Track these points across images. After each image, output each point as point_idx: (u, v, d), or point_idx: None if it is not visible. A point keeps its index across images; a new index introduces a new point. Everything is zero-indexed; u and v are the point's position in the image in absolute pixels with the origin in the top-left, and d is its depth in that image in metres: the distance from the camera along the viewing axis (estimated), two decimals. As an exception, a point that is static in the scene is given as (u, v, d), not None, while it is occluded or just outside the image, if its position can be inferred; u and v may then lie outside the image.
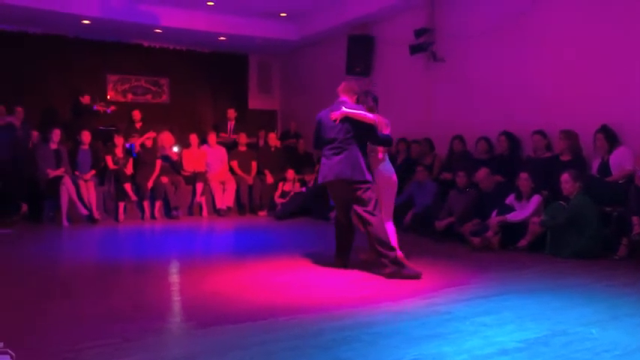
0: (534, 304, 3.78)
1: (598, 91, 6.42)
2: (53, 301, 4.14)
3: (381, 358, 2.79)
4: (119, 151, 9.11)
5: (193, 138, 9.89)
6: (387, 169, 5.19)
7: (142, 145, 9.41)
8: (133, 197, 8.91)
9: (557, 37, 6.91)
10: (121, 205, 8.86)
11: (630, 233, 5.30)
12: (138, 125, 10.09)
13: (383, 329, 3.23)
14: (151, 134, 9.59)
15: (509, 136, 7.21)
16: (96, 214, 8.56)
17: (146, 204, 9.01)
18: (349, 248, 5.15)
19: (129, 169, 9.06)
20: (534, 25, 7.17)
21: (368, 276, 4.75)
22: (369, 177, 4.83)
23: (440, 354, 2.81)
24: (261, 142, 10.93)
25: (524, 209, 6.07)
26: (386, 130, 5.08)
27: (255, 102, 12.97)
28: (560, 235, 5.57)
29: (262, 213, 9.79)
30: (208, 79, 12.27)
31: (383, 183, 5.10)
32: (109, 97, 11.27)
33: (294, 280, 4.65)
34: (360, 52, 9.86)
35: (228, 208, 9.66)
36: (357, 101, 5.07)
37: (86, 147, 8.92)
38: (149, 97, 11.82)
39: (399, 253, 4.88)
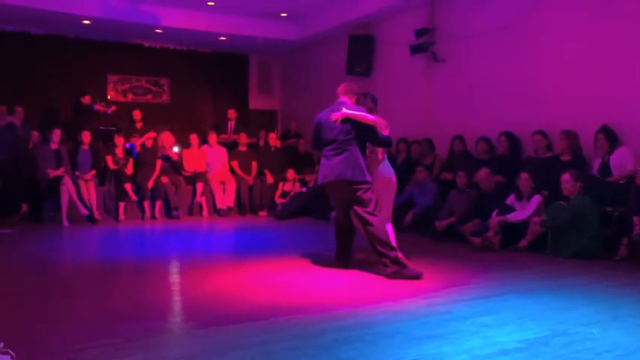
0: (535, 304, 3.78)
1: (598, 91, 6.42)
2: (53, 301, 4.14)
3: (381, 358, 2.79)
4: (119, 151, 9.11)
5: (194, 138, 9.89)
6: (386, 170, 5.19)
7: (143, 145, 9.41)
8: (134, 197, 8.91)
9: (558, 37, 6.91)
10: (122, 205, 8.86)
11: (631, 233, 5.29)
12: (138, 125, 10.09)
13: (383, 329, 3.23)
14: (152, 134, 9.60)
15: (510, 136, 7.21)
16: (96, 214, 8.56)
17: (146, 204, 9.01)
18: (350, 248, 5.15)
19: (129, 169, 9.06)
20: (534, 26, 7.17)
21: (368, 276, 4.75)
22: (369, 178, 4.83)
23: (440, 354, 2.81)
24: (262, 142, 10.93)
25: (525, 209, 6.07)
26: (385, 132, 5.08)
27: (255, 102, 12.98)
28: (561, 235, 5.57)
29: (262, 213, 9.79)
30: (209, 79, 12.28)
31: (383, 184, 5.10)
32: (109, 97, 11.28)
33: (294, 280, 4.65)
34: (360, 52, 9.86)
35: (229, 208, 9.66)
36: (357, 102, 5.07)
37: (86, 147, 8.92)
38: (149, 97, 11.82)
39: (400, 254, 4.88)
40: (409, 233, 7.10)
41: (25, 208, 8.43)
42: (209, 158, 9.86)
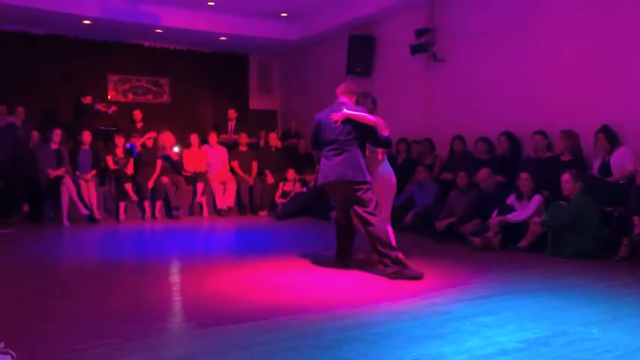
0: (535, 304, 3.78)
1: (598, 91, 6.42)
2: (53, 301, 4.15)
3: (382, 358, 2.79)
4: (120, 151, 9.11)
5: (194, 138, 9.89)
6: (386, 171, 5.19)
7: (143, 145, 9.42)
8: (134, 197, 8.92)
9: (558, 37, 6.91)
10: (122, 205, 8.86)
11: (631, 233, 5.29)
12: (138, 125, 10.10)
13: (384, 329, 3.24)
14: (152, 134, 9.61)
15: (510, 137, 7.21)
16: (97, 214, 8.57)
17: (147, 204, 9.02)
18: (350, 248, 5.15)
19: (129, 169, 9.06)
20: (535, 26, 7.16)
21: (368, 276, 4.75)
22: (369, 178, 4.84)
23: (440, 354, 2.81)
24: (262, 142, 10.92)
25: (525, 209, 6.07)
26: (385, 132, 5.08)
27: (255, 102, 12.97)
28: (561, 235, 5.57)
29: (263, 213, 9.79)
30: (209, 79, 12.27)
31: (382, 184, 5.10)
32: (109, 97, 11.27)
33: (294, 280, 4.65)
34: (360, 52, 9.86)
35: (229, 208, 9.67)
36: (357, 102, 5.08)
37: (87, 147, 8.93)
38: (150, 97, 11.82)
39: (400, 254, 4.88)
40: (409, 233, 7.10)
41: (25, 208, 8.44)
42: (209, 158, 9.87)
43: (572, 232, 5.49)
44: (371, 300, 3.95)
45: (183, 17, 10.36)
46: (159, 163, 9.29)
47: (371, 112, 5.07)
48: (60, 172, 8.46)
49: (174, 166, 9.61)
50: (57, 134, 8.62)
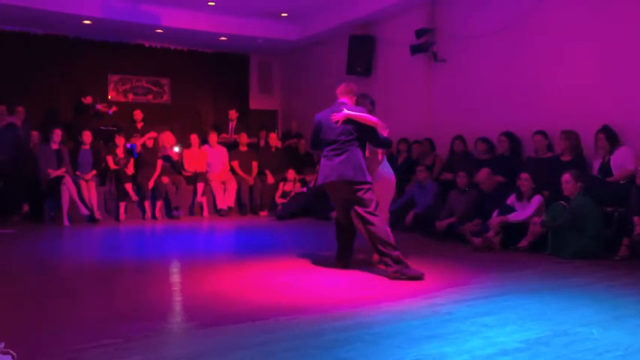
0: (535, 304, 3.78)
1: (598, 91, 6.41)
2: (53, 301, 4.14)
3: (382, 358, 2.79)
4: (120, 151, 9.12)
5: (194, 138, 9.90)
6: (386, 171, 5.20)
7: (143, 145, 9.42)
8: (134, 197, 8.92)
9: (558, 37, 6.91)
10: (122, 205, 8.87)
11: (631, 233, 5.29)
12: (139, 125, 10.11)
13: (384, 329, 3.23)
14: (152, 134, 9.60)
15: (510, 137, 7.21)
16: (97, 214, 8.57)
17: (147, 204, 9.02)
18: (350, 248, 5.15)
19: (130, 169, 9.07)
20: (535, 26, 7.16)
21: (369, 276, 4.75)
22: (369, 178, 4.84)
23: (441, 354, 2.81)
24: (262, 143, 10.93)
25: (525, 209, 6.07)
26: (384, 133, 5.08)
27: (256, 102, 12.98)
28: (561, 235, 5.57)
29: (263, 213, 9.80)
30: (209, 80, 12.28)
31: (382, 184, 5.10)
32: (110, 97, 11.29)
33: (295, 281, 4.65)
34: (361, 52, 9.86)
35: (229, 209, 9.67)
36: (356, 103, 5.08)
37: (87, 147, 8.93)
38: (150, 97, 11.83)
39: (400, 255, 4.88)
40: (409, 233, 7.10)
41: (25, 208, 8.45)
42: (210, 158, 9.87)
43: (572, 233, 5.49)
44: (371, 300, 3.95)
45: (184, 17, 10.37)
46: (159, 163, 9.29)
47: (369, 113, 5.07)
48: (60, 172, 8.47)
49: (174, 166, 9.62)
50: (57, 134, 8.63)
